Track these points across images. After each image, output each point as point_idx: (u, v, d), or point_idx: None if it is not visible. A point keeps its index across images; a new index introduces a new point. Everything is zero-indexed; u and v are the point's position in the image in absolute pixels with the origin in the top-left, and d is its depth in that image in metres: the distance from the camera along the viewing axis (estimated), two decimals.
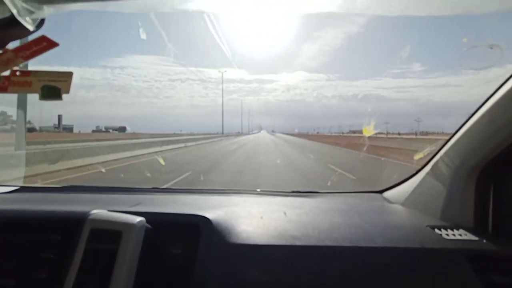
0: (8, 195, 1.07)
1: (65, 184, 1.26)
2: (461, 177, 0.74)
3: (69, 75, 0.56)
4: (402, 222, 0.79)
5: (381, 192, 1.09)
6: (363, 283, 0.58)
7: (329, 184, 5.39)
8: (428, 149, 0.96)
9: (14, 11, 0.37)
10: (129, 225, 0.57)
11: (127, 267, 0.53)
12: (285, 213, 0.79)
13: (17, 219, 0.58)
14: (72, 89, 0.56)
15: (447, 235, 0.68)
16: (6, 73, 0.52)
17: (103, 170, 6.67)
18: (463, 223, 0.73)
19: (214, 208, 0.76)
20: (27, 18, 0.38)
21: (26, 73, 0.53)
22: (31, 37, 0.51)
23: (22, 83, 0.53)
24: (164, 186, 1.14)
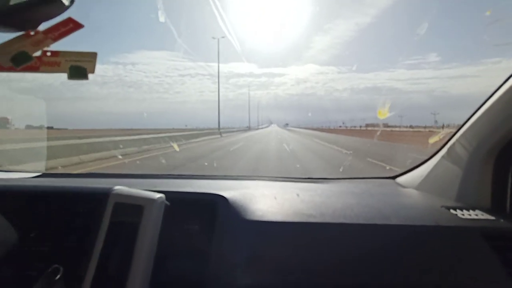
0: (32, 179, 1.13)
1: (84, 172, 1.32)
2: (479, 159, 0.73)
3: (94, 55, 0.59)
4: (417, 203, 0.79)
5: (394, 177, 1.08)
6: (378, 259, 0.59)
7: (341, 170, 5.31)
8: (443, 132, 0.94)
9: None
10: (150, 200, 0.60)
11: (149, 239, 0.56)
12: (298, 195, 0.80)
13: (46, 193, 0.62)
14: (86, 85, 0.58)
15: (463, 215, 0.68)
16: (38, 53, 0.55)
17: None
18: (480, 204, 0.72)
19: (229, 190, 0.78)
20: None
21: (55, 53, 0.56)
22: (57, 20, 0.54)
23: (52, 63, 0.56)
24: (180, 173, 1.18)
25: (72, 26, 0.56)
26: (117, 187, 0.61)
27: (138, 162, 6.72)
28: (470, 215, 0.68)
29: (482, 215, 0.68)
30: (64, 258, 0.53)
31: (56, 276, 0.51)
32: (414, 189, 0.92)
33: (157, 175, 1.19)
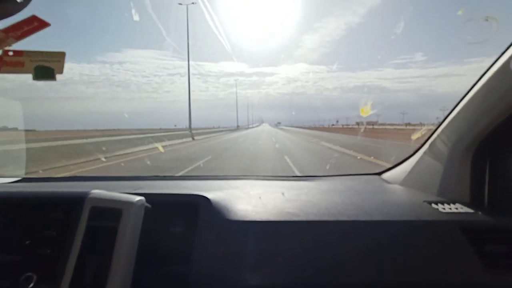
0: (11, 184, 1.08)
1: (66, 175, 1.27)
2: (458, 154, 0.74)
3: (62, 55, 0.56)
4: (400, 199, 0.80)
5: (379, 174, 1.09)
6: (361, 255, 0.59)
7: (327, 167, 5.36)
8: (426, 129, 0.96)
9: None
10: (128, 204, 0.57)
11: (128, 244, 0.54)
12: (283, 194, 0.80)
13: (19, 199, 0.59)
14: (72, 85, 0.56)
15: (444, 209, 0.69)
16: None
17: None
18: (460, 198, 0.74)
19: (214, 190, 0.76)
20: None
21: (18, 53, 0.53)
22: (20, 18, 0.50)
23: (14, 63, 0.52)
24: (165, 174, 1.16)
25: (36, 24, 0.53)
26: (94, 191, 0.58)
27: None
28: (450, 209, 0.69)
29: (462, 208, 0.69)
30: (38, 266, 0.50)
31: (29, 285, 0.48)
32: (398, 185, 0.94)
33: (140, 176, 1.16)
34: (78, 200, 0.56)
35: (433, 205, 0.71)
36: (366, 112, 0.87)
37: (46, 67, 0.54)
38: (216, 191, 0.75)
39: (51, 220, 0.55)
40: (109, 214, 0.56)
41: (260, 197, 0.76)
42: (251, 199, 0.75)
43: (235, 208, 0.68)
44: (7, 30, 0.51)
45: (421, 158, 0.89)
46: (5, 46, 0.52)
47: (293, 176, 1.09)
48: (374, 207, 0.71)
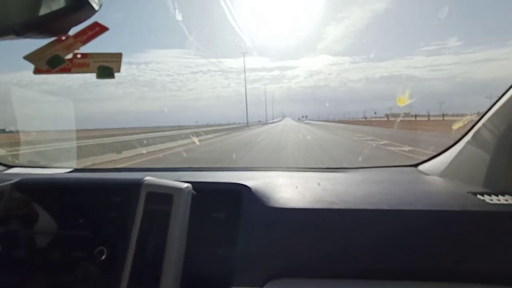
0: (63, 175, 1.21)
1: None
2: (507, 143, 0.70)
3: (119, 56, 0.62)
4: (442, 190, 0.77)
5: (416, 165, 1.06)
6: (403, 245, 0.59)
7: (360, 159, 5.22)
8: (468, 118, 0.91)
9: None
10: (178, 189, 0.63)
11: (180, 226, 0.60)
12: (319, 184, 0.81)
13: (86, 184, 0.67)
14: (102, 86, 0.62)
15: (491, 200, 0.66)
16: (69, 56, 0.58)
17: None
18: (509, 189, 0.70)
19: (251, 179, 0.80)
20: (94, 2, 0.43)
21: (84, 55, 0.60)
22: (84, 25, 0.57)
23: (82, 64, 0.59)
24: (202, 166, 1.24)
25: (98, 29, 0.59)
26: (147, 178, 0.65)
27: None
28: (499, 200, 0.66)
29: None
30: (107, 241, 0.58)
31: (101, 257, 0.56)
32: (437, 176, 0.90)
33: (181, 168, 1.24)
34: (136, 185, 0.62)
35: (479, 196, 0.68)
36: (404, 101, 0.85)
37: (107, 67, 0.60)
38: (253, 181, 0.79)
39: (113, 203, 0.62)
40: (162, 198, 0.62)
41: (296, 187, 0.78)
42: (287, 188, 0.77)
43: (274, 196, 0.71)
44: (76, 35, 0.58)
45: (464, 148, 0.85)
46: (74, 50, 0.59)
47: (327, 168, 1.10)
48: (414, 197, 0.70)
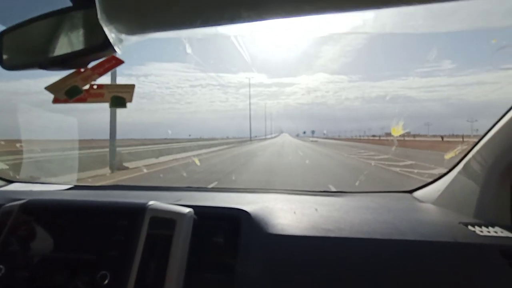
0: (65, 191, 1.22)
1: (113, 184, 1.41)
2: (496, 175, 0.74)
3: (131, 87, 0.66)
4: (434, 219, 0.80)
5: (411, 192, 1.09)
6: (396, 274, 0.61)
7: (357, 184, 5.24)
8: (460, 148, 0.96)
9: (107, 39, 0.47)
10: (181, 215, 0.65)
11: (181, 250, 0.62)
12: (316, 209, 0.83)
13: (91, 207, 0.69)
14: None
15: (481, 231, 0.69)
16: (86, 87, 0.63)
17: None
18: (499, 221, 0.73)
19: (250, 204, 0.82)
20: (117, 46, 0.48)
21: (100, 86, 0.64)
22: None
23: (97, 95, 0.64)
24: (198, 186, 1.26)
25: (114, 62, 0.64)
26: (151, 202, 0.67)
27: None
28: (489, 232, 0.69)
29: (502, 232, 0.68)
30: (110, 266, 0.59)
31: (104, 281, 0.57)
32: (431, 204, 0.93)
33: (178, 187, 1.26)
34: (140, 210, 0.65)
35: (470, 227, 0.71)
36: (398, 132, 0.90)
37: (120, 97, 0.64)
38: (252, 205, 0.81)
39: (118, 227, 0.64)
40: (165, 223, 0.65)
41: (294, 212, 0.81)
42: (286, 214, 0.79)
43: (272, 222, 0.74)
44: (94, 68, 0.63)
45: (456, 177, 0.89)
46: (91, 81, 0.63)
47: (323, 191, 1.12)
48: (408, 226, 0.72)
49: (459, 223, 0.74)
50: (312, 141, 36.02)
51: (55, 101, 0.62)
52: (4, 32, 0.60)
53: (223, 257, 0.69)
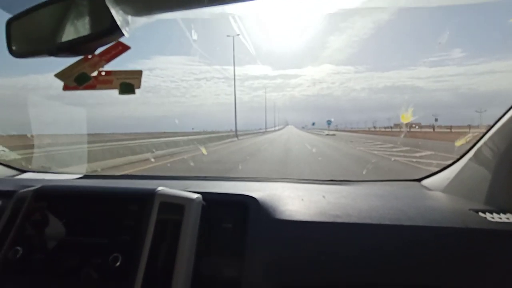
0: (76, 180, 1.25)
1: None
2: (507, 162, 0.73)
3: (139, 73, 0.66)
4: (443, 206, 0.79)
5: (419, 180, 1.08)
6: (404, 260, 0.61)
7: (364, 172, 5.21)
8: (470, 135, 0.94)
9: (114, 23, 0.47)
10: (190, 200, 0.66)
11: (191, 235, 0.63)
12: (324, 196, 0.83)
13: (102, 193, 0.71)
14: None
15: (492, 218, 0.68)
16: (94, 74, 0.63)
17: None
18: (510, 207, 0.72)
19: (257, 191, 0.83)
20: (124, 29, 0.48)
21: (108, 72, 0.64)
22: None
23: (106, 81, 0.64)
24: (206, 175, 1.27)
25: (121, 48, 0.64)
26: (160, 188, 0.68)
27: None
28: (500, 218, 0.68)
29: None
30: (121, 249, 0.61)
31: (116, 263, 0.58)
32: (440, 191, 0.92)
33: (189, 176, 1.27)
34: (150, 195, 0.66)
35: (481, 214, 0.70)
36: (407, 118, 0.88)
37: (128, 84, 0.65)
38: (260, 192, 0.81)
39: (128, 212, 0.65)
40: (174, 208, 0.65)
41: (302, 199, 0.81)
42: (293, 201, 0.80)
43: (280, 208, 0.74)
44: (101, 54, 0.63)
45: (466, 164, 0.87)
46: (99, 68, 0.63)
47: (331, 180, 1.12)
48: (417, 212, 0.72)
49: (469, 209, 0.73)
50: (327, 135, 25.84)
51: (65, 88, 0.63)
52: (11, 20, 0.60)
53: (232, 242, 0.70)
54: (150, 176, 1.28)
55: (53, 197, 0.71)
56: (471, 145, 0.88)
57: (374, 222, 0.67)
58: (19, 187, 0.84)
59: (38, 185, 0.75)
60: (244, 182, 1.10)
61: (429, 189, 0.98)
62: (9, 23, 0.60)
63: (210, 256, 0.69)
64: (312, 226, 0.68)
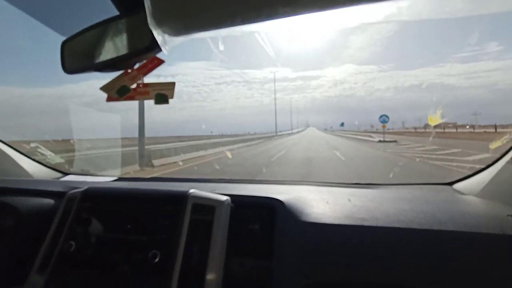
0: (113, 183, 1.36)
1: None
2: None
3: (172, 84, 0.72)
4: (478, 211, 0.76)
5: (450, 184, 1.03)
6: (434, 266, 0.60)
7: (391, 176, 5.01)
8: (507, 137, 0.88)
9: (154, 41, 0.52)
10: (220, 202, 0.70)
11: (221, 235, 0.67)
12: (349, 200, 0.83)
13: (141, 194, 0.77)
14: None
15: None
16: (133, 86, 0.70)
17: None
18: None
19: (283, 193, 0.85)
20: (163, 47, 0.53)
21: (145, 85, 0.71)
22: None
23: (143, 93, 0.70)
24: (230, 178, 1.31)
25: (156, 62, 0.70)
26: (192, 190, 0.73)
27: None
28: None
29: None
30: (159, 246, 0.66)
31: (155, 259, 0.64)
32: (474, 196, 0.88)
33: (212, 179, 1.33)
34: (184, 197, 0.71)
35: None
36: (436, 120, 0.86)
37: (163, 94, 0.71)
38: (285, 195, 0.83)
39: (164, 212, 0.71)
40: (205, 209, 0.70)
41: (327, 202, 0.82)
42: (319, 203, 0.81)
43: (306, 211, 0.75)
44: (139, 68, 0.69)
45: (504, 167, 0.83)
46: (137, 80, 0.70)
47: (356, 183, 1.11)
48: (448, 217, 0.69)
49: (508, 215, 0.69)
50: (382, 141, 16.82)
51: (109, 99, 0.70)
52: (65, 41, 0.69)
53: (260, 243, 0.73)
54: (179, 179, 1.35)
55: (99, 198, 0.78)
56: (509, 146, 0.84)
57: (402, 226, 0.66)
58: (67, 188, 0.94)
59: (83, 187, 0.83)
60: (269, 185, 1.13)
61: (462, 193, 0.94)
62: (63, 45, 0.69)
63: (239, 255, 0.72)
64: (339, 228, 0.68)
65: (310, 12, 0.38)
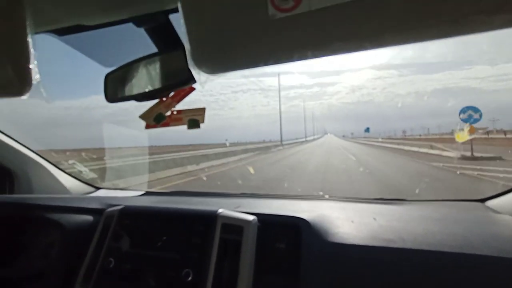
0: (140, 197, 1.43)
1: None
2: None
3: (203, 110, 0.77)
4: None
5: (482, 201, 1.00)
6: None
7: (417, 191, 4.80)
8: None
9: (191, 76, 0.57)
10: (247, 222, 0.73)
11: (250, 254, 0.69)
12: (375, 219, 0.83)
13: (171, 213, 0.82)
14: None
15: None
16: (168, 113, 0.76)
17: None
18: None
19: (307, 211, 0.86)
20: (201, 85, 0.58)
21: (179, 112, 0.76)
22: None
23: (177, 119, 0.76)
24: (251, 192, 1.34)
25: (188, 90, 0.76)
26: (221, 210, 0.76)
27: None
28: None
29: None
30: (191, 264, 0.70)
31: (188, 278, 0.67)
32: (510, 215, 0.84)
33: (234, 194, 1.36)
34: (213, 217, 0.75)
35: None
36: (464, 137, 0.84)
37: (195, 120, 0.76)
38: (309, 213, 0.85)
39: (195, 231, 0.75)
40: (234, 229, 0.73)
41: (352, 221, 0.82)
42: (343, 222, 0.81)
43: (331, 230, 0.76)
44: (173, 97, 0.75)
45: None
46: (171, 108, 0.76)
47: (381, 199, 1.10)
48: (481, 239, 0.67)
49: None
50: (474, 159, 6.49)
51: (147, 127, 0.76)
52: (108, 74, 0.77)
53: (286, 262, 0.74)
54: (204, 193, 1.40)
55: (134, 216, 0.84)
56: None
57: (431, 248, 0.65)
58: (103, 205, 1.01)
59: (113, 203, 0.89)
60: (291, 200, 1.14)
61: (496, 212, 0.90)
62: (106, 77, 0.77)
63: (267, 274, 0.74)
64: (364, 249, 0.68)
65: (336, 55, 0.41)
